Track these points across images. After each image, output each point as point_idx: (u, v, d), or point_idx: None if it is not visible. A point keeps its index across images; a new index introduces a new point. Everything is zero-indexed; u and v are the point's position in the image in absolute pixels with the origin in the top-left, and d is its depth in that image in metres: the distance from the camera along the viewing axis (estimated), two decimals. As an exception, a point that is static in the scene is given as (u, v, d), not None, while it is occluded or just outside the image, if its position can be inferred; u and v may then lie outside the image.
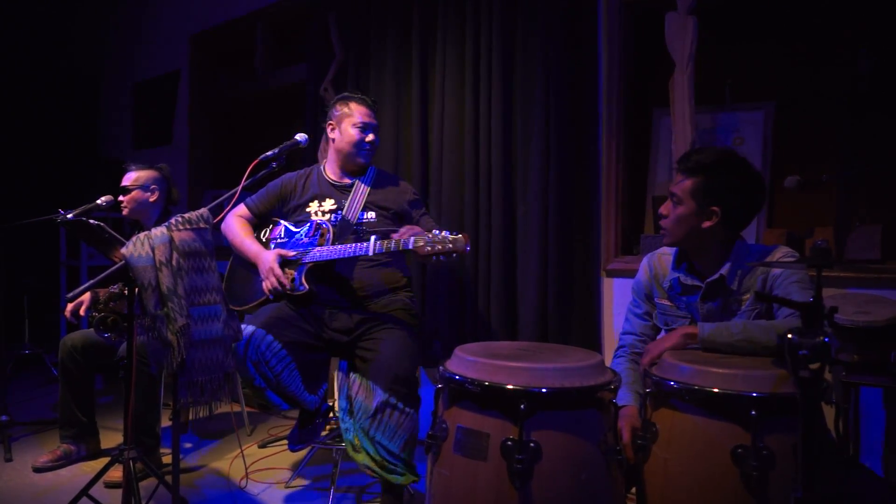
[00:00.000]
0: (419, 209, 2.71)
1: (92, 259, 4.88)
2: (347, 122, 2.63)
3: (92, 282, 1.91)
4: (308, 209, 2.64)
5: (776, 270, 1.81)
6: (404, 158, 3.43)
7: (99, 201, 2.80)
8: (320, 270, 2.50)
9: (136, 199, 3.04)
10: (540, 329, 2.90)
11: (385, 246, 2.26)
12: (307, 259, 2.47)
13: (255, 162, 2.17)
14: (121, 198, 3.04)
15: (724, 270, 1.86)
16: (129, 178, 3.06)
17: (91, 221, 2.11)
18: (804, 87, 2.80)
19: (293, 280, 2.44)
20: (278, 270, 2.44)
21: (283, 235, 2.65)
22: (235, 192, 2.05)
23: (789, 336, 1.27)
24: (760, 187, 1.87)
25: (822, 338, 1.25)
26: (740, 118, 2.87)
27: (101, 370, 3.16)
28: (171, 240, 1.86)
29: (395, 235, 2.27)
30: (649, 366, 1.76)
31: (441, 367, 1.75)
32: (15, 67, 5.49)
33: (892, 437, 2.18)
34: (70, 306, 2.91)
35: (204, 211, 1.95)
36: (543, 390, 1.56)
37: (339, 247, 2.41)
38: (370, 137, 2.64)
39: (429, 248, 2.14)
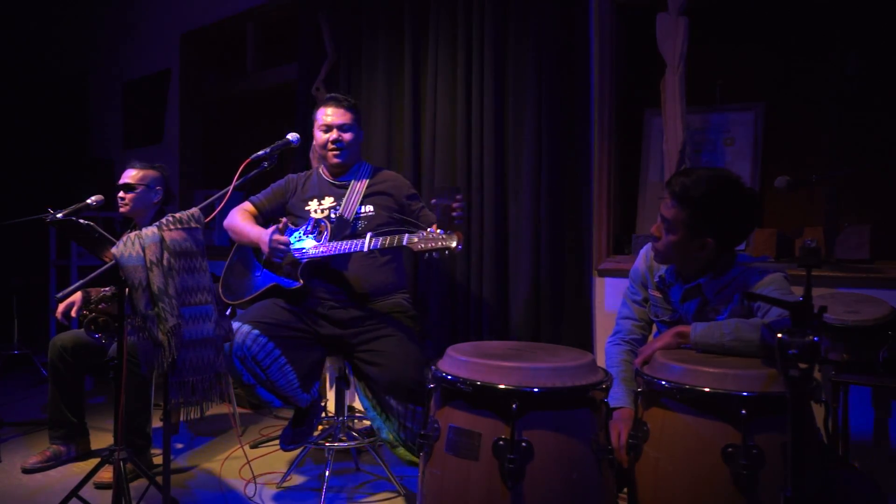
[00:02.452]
0: (418, 202, 2.74)
1: (82, 259, 4.85)
2: (315, 126, 2.70)
3: (82, 282, 1.90)
4: (307, 207, 2.67)
5: (751, 282, 1.82)
6: (396, 158, 3.43)
7: (89, 201, 2.75)
8: (317, 266, 2.52)
9: (141, 198, 3.01)
10: (532, 329, 2.90)
11: (381, 243, 2.27)
12: (303, 255, 2.49)
13: (247, 161, 2.17)
14: (122, 194, 3.00)
15: (704, 280, 1.87)
16: (135, 176, 3.02)
17: (81, 221, 2.09)
18: (794, 87, 2.81)
19: (289, 265, 2.47)
20: (278, 234, 2.45)
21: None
22: (227, 192, 2.04)
23: (779, 335, 1.28)
24: (753, 212, 1.85)
25: (811, 337, 1.25)
26: (731, 118, 2.89)
27: (92, 371, 3.14)
28: (162, 239, 1.85)
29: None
30: (642, 366, 1.76)
31: (433, 367, 1.75)
32: (3, 66, 5.45)
33: (880, 437, 2.20)
34: (62, 307, 2.89)
35: (195, 210, 1.94)
36: (535, 390, 1.56)
37: (336, 243, 2.43)
38: (332, 136, 2.64)
39: (422, 245, 2.15)
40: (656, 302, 2.05)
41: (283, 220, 2.55)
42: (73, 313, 2.88)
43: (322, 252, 2.45)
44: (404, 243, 2.20)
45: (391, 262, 2.66)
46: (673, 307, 1.99)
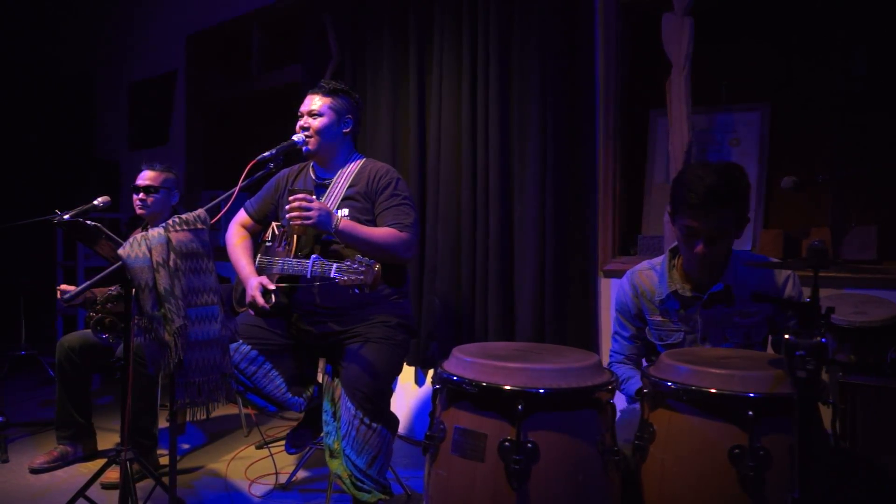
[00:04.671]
0: (383, 197, 2.41)
1: (88, 260, 4.87)
2: None
3: (88, 283, 1.91)
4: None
5: (779, 285, 1.83)
6: (401, 159, 3.43)
7: (95, 202, 2.75)
8: (289, 280, 2.38)
9: (161, 201, 3.04)
10: (537, 329, 2.90)
11: (320, 270, 2.13)
12: (273, 272, 2.38)
13: (253, 162, 2.17)
14: (142, 196, 3.01)
15: (729, 280, 1.86)
16: (157, 178, 3.04)
17: (87, 222, 2.11)
18: (800, 87, 2.80)
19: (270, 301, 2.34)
20: (261, 300, 2.28)
21: (270, 239, 2.56)
22: (232, 194, 2.05)
23: (787, 336, 1.28)
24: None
25: (818, 338, 1.25)
26: (736, 119, 2.88)
27: (99, 371, 3.16)
28: (169, 241, 1.86)
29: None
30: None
31: (439, 368, 1.75)
32: (9, 67, 5.48)
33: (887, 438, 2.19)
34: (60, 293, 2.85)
35: (201, 212, 1.95)
36: (541, 391, 1.56)
37: (292, 261, 2.31)
38: (301, 123, 2.44)
39: (345, 279, 2.01)
40: (658, 325, 2.01)
41: (273, 286, 2.33)
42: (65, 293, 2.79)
43: (280, 269, 2.33)
44: (331, 275, 2.06)
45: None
46: (680, 326, 1.95)
